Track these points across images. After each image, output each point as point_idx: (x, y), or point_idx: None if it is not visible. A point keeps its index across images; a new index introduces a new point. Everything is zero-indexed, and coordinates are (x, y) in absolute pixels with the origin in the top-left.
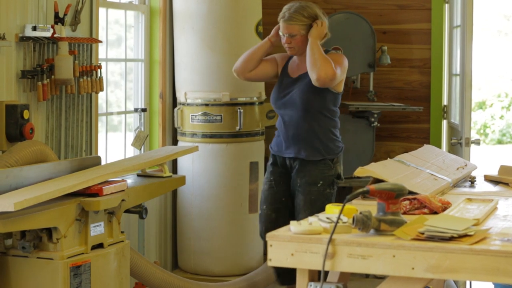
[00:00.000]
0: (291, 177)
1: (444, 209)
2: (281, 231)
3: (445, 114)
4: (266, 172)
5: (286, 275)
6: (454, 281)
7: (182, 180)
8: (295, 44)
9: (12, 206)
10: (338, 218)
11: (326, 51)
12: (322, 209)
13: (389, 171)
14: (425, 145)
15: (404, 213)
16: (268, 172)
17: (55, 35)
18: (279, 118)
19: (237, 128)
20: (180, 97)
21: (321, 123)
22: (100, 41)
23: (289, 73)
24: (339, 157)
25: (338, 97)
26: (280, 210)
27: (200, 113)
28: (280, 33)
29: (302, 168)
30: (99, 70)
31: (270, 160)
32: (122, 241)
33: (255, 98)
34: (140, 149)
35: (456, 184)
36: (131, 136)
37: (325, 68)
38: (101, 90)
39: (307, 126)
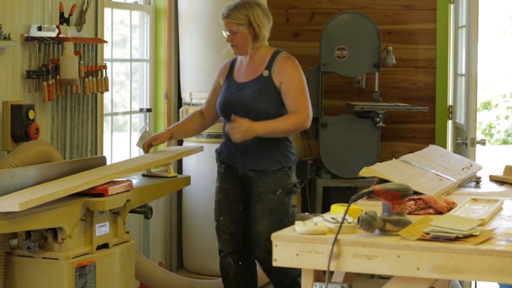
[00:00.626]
0: (246, 185)
1: (449, 209)
2: (286, 231)
3: (450, 114)
4: (217, 180)
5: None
6: (459, 282)
7: (187, 180)
8: (237, 42)
9: (17, 206)
10: (343, 218)
11: (277, 52)
12: (281, 219)
13: (394, 171)
14: (430, 145)
15: (409, 213)
16: (221, 181)
17: (60, 35)
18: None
19: None
20: (185, 97)
21: None
22: (105, 41)
23: (235, 78)
24: (294, 165)
25: None
26: (239, 221)
27: None
28: (223, 32)
29: (260, 177)
30: (104, 70)
31: (222, 168)
32: (127, 241)
33: None
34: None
35: (461, 184)
36: (136, 136)
37: (297, 125)
38: (106, 90)
39: None
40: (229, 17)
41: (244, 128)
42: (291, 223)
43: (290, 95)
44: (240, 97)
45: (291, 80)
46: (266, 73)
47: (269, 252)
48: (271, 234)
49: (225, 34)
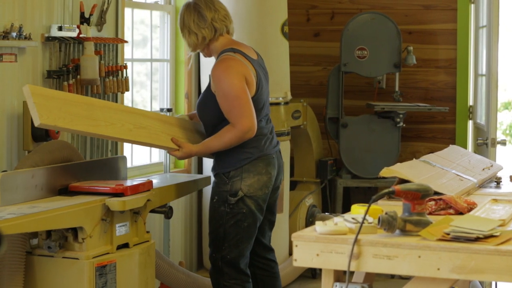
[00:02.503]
0: None
1: (470, 209)
2: (307, 231)
3: (470, 115)
4: None
5: None
6: (480, 282)
7: (208, 180)
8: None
9: (38, 122)
10: (364, 218)
11: (220, 54)
12: (216, 228)
13: (415, 171)
14: (450, 145)
15: (430, 213)
16: None
17: (81, 35)
18: None
19: None
20: None
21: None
22: (126, 41)
23: None
24: (241, 170)
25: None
26: None
27: None
28: None
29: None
30: (124, 70)
31: None
32: (148, 241)
33: (280, 98)
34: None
35: (482, 185)
36: None
37: (233, 141)
38: (127, 90)
39: (211, 132)
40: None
41: (179, 154)
42: (228, 235)
43: (221, 106)
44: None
45: (219, 89)
46: (209, 79)
47: (210, 260)
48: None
49: None
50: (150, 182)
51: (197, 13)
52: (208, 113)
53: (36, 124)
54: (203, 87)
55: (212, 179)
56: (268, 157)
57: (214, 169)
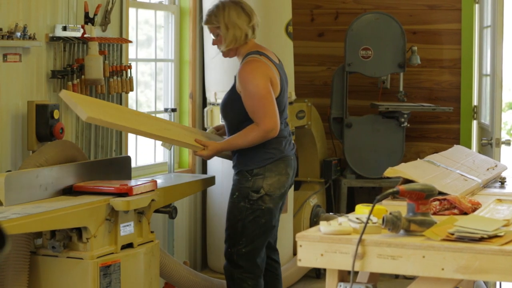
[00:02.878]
0: None
1: (474, 209)
2: (311, 231)
3: (475, 115)
4: None
5: None
6: (484, 282)
7: (212, 180)
8: (218, 46)
9: (85, 116)
10: (368, 218)
11: (246, 56)
12: (233, 222)
13: (419, 171)
14: (455, 145)
15: (434, 213)
16: None
17: (85, 35)
18: None
19: None
20: (210, 97)
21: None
22: (130, 41)
23: None
24: (264, 169)
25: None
26: None
27: None
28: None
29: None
30: (129, 70)
31: None
32: (152, 241)
33: None
34: (170, 149)
35: (486, 185)
36: None
37: (256, 139)
38: (131, 90)
39: (233, 132)
40: (206, 22)
41: (206, 153)
42: (246, 230)
43: (246, 105)
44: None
45: (245, 89)
46: (234, 80)
47: (225, 256)
48: (228, 236)
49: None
50: (155, 182)
51: (243, 11)
52: (233, 113)
53: (84, 118)
54: (208, 87)
55: (235, 177)
56: (288, 158)
57: (236, 166)
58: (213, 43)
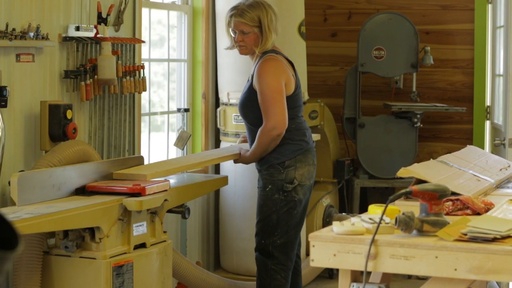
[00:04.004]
0: None
1: (487, 210)
2: (324, 232)
3: (488, 115)
4: None
5: None
6: (497, 283)
7: (225, 180)
8: (247, 43)
9: (145, 177)
10: (381, 218)
11: (263, 55)
12: (267, 214)
13: (432, 172)
14: (468, 145)
15: (447, 214)
16: None
17: (98, 35)
18: None
19: None
20: (223, 97)
21: None
22: (143, 41)
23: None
24: (294, 161)
25: (291, 97)
26: None
27: None
28: (231, 30)
29: (260, 172)
30: (142, 70)
31: None
32: (165, 241)
33: None
34: (183, 149)
35: (499, 185)
36: (174, 136)
37: (266, 141)
38: (144, 90)
39: (254, 132)
40: (242, 17)
41: (241, 159)
42: (281, 221)
43: (260, 104)
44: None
45: (259, 87)
46: (250, 78)
47: (257, 248)
48: (260, 230)
49: (232, 33)
50: (167, 182)
51: (275, 15)
52: (252, 111)
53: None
54: (220, 87)
55: (263, 172)
56: (313, 149)
57: (267, 161)
58: (239, 39)
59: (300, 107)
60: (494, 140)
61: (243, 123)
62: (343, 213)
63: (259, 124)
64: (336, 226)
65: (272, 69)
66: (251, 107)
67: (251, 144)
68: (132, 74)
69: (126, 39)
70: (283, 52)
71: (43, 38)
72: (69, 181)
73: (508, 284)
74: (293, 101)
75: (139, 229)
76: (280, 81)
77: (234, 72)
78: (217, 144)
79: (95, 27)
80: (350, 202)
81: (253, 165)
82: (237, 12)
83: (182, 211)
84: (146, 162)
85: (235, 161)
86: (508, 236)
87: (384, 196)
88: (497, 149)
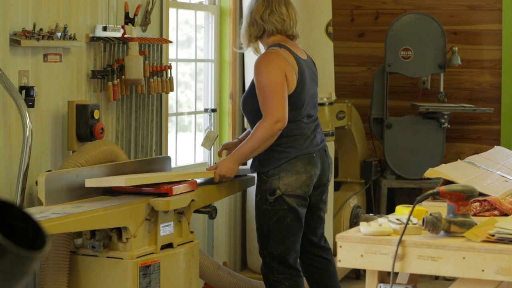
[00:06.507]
0: None
1: None
2: (351, 232)
3: None
4: None
5: None
6: None
7: (252, 181)
8: (243, 42)
9: (124, 182)
10: (408, 219)
11: (270, 46)
12: (260, 226)
13: (460, 172)
14: (495, 146)
15: (474, 214)
16: None
17: (125, 36)
18: None
19: None
20: None
21: None
22: (170, 42)
23: None
24: (279, 169)
25: (291, 97)
26: None
27: None
28: None
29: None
30: (169, 70)
31: None
32: (192, 241)
33: (325, 99)
34: (210, 149)
35: None
36: (201, 137)
37: (264, 135)
38: (171, 90)
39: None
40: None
41: (218, 171)
42: (272, 232)
43: (258, 97)
44: None
45: (256, 81)
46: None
47: (261, 258)
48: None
49: None
50: (195, 182)
51: (274, 10)
52: (252, 106)
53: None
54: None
55: (256, 180)
56: (308, 156)
57: (253, 168)
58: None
59: (300, 109)
60: None
61: None
62: (370, 214)
63: (258, 118)
64: (363, 227)
65: (270, 62)
66: (252, 102)
67: None
68: (160, 74)
69: (153, 39)
70: (296, 46)
71: (70, 38)
72: None
73: None
74: (291, 102)
75: (166, 229)
76: (280, 74)
77: None
78: None
79: (122, 27)
80: (377, 203)
81: None
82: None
83: (209, 211)
84: (173, 162)
85: (214, 180)
86: None
87: (411, 196)
88: None
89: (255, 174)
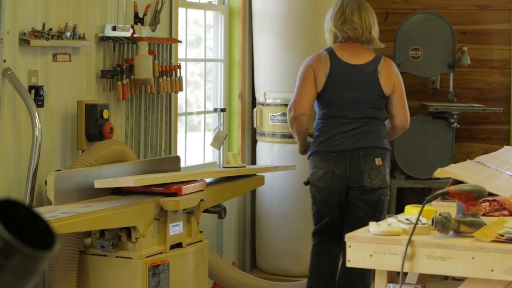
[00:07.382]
0: None
1: None
2: (360, 232)
3: None
4: None
5: None
6: None
7: (261, 180)
8: None
9: (133, 182)
10: (417, 219)
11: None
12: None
13: (469, 172)
14: (505, 146)
15: (484, 214)
16: None
17: (134, 35)
18: None
19: None
20: (259, 97)
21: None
22: (180, 41)
23: None
24: (312, 157)
25: (320, 96)
26: None
27: (279, 113)
28: None
29: None
30: (178, 70)
31: None
32: (201, 241)
33: None
34: (219, 149)
35: None
36: (210, 136)
37: (290, 125)
38: (181, 90)
39: None
40: None
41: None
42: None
43: None
44: None
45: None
46: None
47: None
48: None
49: None
50: (204, 182)
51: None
52: None
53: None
54: (257, 87)
55: None
56: (325, 154)
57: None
58: None
59: (328, 109)
60: None
61: (280, 123)
62: None
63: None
64: (372, 227)
65: (305, 61)
66: None
67: None
68: (169, 74)
69: (162, 39)
70: (352, 51)
71: (79, 38)
72: None
73: None
74: (320, 101)
75: (175, 229)
76: (307, 69)
77: (271, 72)
78: (253, 144)
79: (132, 27)
80: None
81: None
82: None
83: (218, 211)
84: (182, 162)
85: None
86: None
87: (420, 196)
88: None
89: (264, 174)
